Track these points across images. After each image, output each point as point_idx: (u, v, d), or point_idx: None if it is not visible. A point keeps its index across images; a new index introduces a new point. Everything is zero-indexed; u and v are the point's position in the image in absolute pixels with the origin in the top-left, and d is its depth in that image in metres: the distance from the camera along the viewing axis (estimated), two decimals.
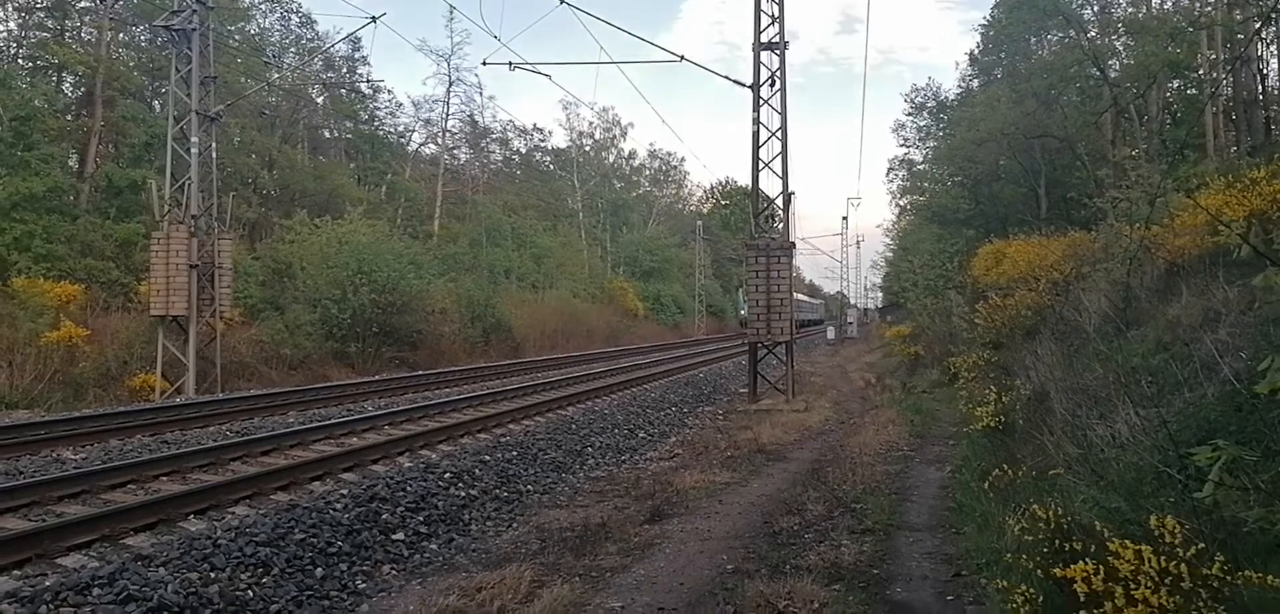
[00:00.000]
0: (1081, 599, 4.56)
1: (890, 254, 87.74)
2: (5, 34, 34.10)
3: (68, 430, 13.15)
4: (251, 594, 6.81)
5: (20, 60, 32.99)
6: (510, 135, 71.98)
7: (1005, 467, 7.89)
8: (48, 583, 6.41)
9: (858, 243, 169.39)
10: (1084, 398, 8.81)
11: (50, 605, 5.94)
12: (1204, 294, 10.01)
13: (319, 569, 7.59)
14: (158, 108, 34.51)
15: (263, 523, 8.28)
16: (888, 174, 78.07)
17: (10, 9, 33.79)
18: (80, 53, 32.87)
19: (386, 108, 56.92)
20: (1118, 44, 34.93)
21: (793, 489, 10.42)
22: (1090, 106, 33.90)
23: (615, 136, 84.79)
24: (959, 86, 48.96)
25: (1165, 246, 12.65)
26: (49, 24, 34.46)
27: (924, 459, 12.38)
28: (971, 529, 7.88)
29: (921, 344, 30.37)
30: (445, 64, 63.43)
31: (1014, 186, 36.30)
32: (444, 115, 57.44)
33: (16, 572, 6.94)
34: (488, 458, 12.07)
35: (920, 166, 55.40)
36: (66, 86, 34.91)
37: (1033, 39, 40.01)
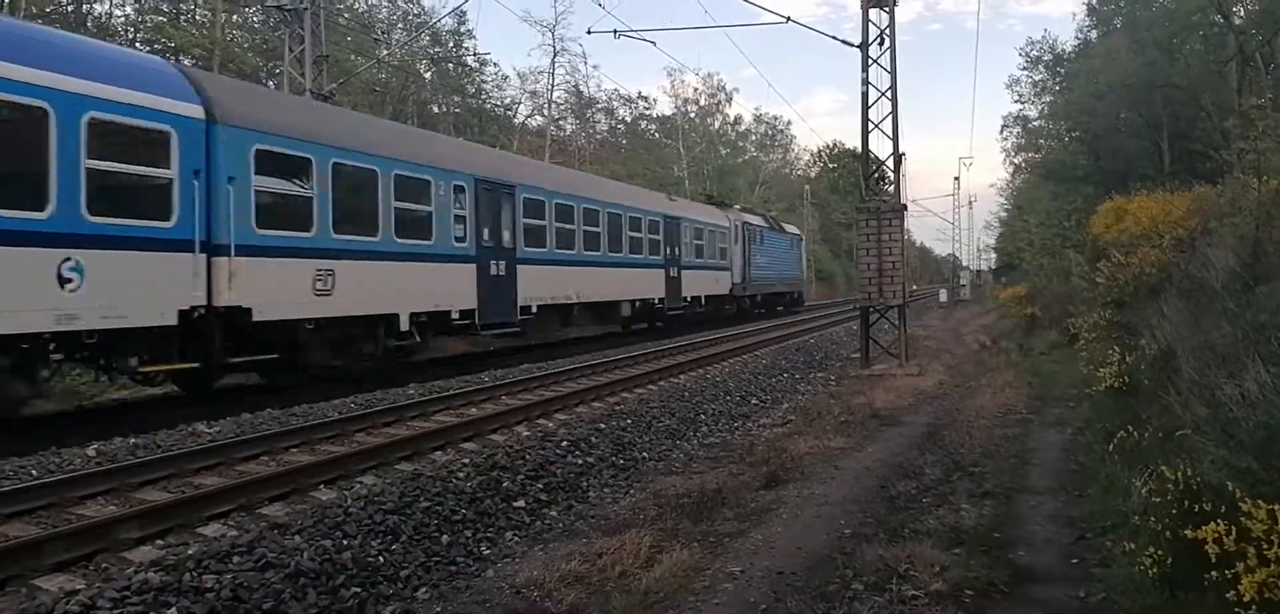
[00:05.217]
0: (1212, 560, 4.48)
1: (1004, 214, 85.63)
2: (123, 19, 35.63)
3: (202, 405, 13.76)
4: (382, 560, 7.07)
5: (138, 45, 34.32)
6: (615, 104, 72.24)
7: (1130, 428, 7.73)
8: (190, 551, 6.74)
9: (970, 203, 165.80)
10: (1212, 356, 8.54)
11: (193, 573, 6.22)
12: None
13: (445, 536, 7.83)
14: (272, 88, 35.69)
15: (389, 492, 8.57)
16: (1001, 131, 76.16)
17: None
18: (196, 35, 34.00)
19: (493, 81, 57.68)
20: None
21: (909, 454, 10.34)
22: (1214, 55, 32.48)
23: (720, 102, 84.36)
24: (1076, 38, 47.31)
25: None
26: (164, 8, 35.77)
27: (1044, 422, 12.15)
28: (1095, 492, 7.74)
29: (1038, 305, 29.70)
30: (550, 34, 63.81)
31: (1135, 140, 35.01)
32: (550, 86, 57.92)
33: (160, 542, 7.31)
34: (603, 426, 12.25)
35: (1036, 123, 53.82)
36: None
37: None
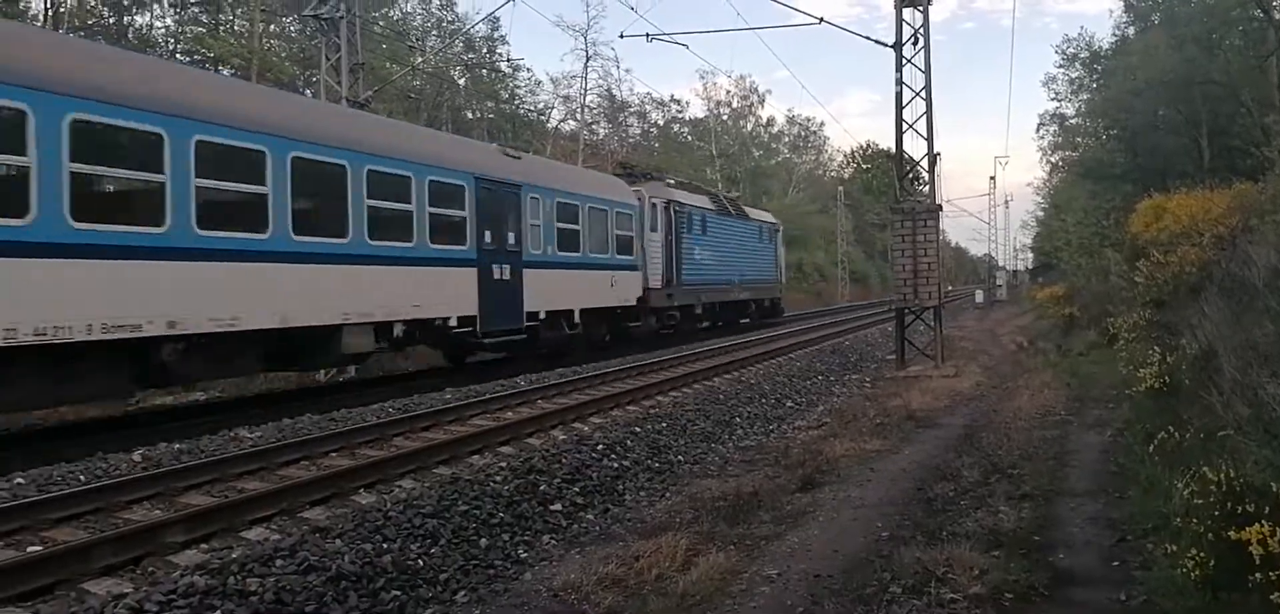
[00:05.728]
0: (1257, 562, 4.45)
1: (1041, 213, 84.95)
2: (164, 30, 36.25)
3: (243, 410, 13.93)
4: (422, 564, 7.14)
5: (178, 55, 34.79)
6: (648, 108, 72.29)
7: (1171, 429, 7.67)
8: (234, 555, 6.83)
9: (1006, 203, 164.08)
10: (1254, 355, 8.45)
11: (237, 576, 6.31)
12: None
13: (483, 539, 7.90)
14: (309, 96, 36.09)
15: (428, 496, 8.65)
16: (1038, 130, 75.41)
17: (167, 5, 35.97)
18: (234, 45, 34.44)
19: (526, 86, 57.91)
20: None
21: (946, 456, 10.29)
22: (1254, 50, 32.08)
23: (753, 104, 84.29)
24: (1113, 35, 46.91)
25: None
26: (203, 19, 36.35)
27: (1083, 423, 12.06)
28: (1136, 494, 7.68)
29: (1076, 305, 29.46)
30: (582, 39, 64.05)
31: (1174, 137, 34.68)
32: (582, 91, 58.03)
33: (204, 545, 7.41)
34: (638, 429, 12.29)
35: (1073, 121, 53.37)
36: None
37: None
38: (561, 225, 21.19)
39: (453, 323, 17.11)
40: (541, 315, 20.01)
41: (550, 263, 20.58)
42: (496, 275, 18.40)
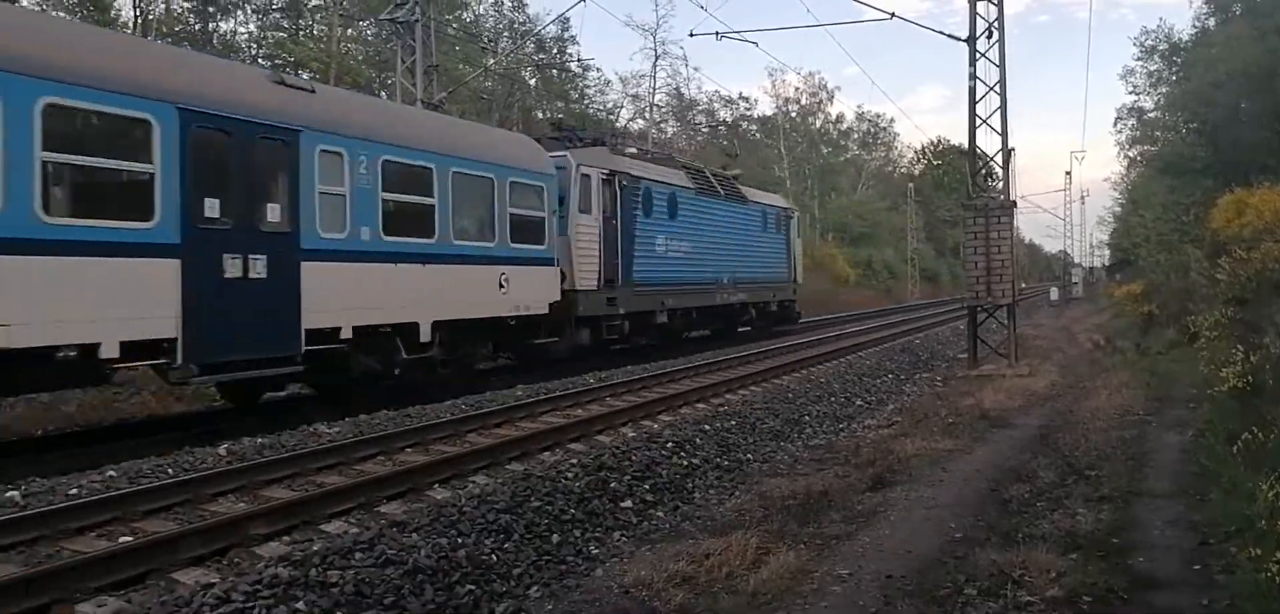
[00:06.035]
0: None
1: (1118, 209, 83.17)
2: (247, 35, 37.36)
3: (321, 406, 14.20)
4: (495, 559, 7.25)
5: (260, 60, 35.67)
6: (716, 106, 72.18)
7: (1255, 429, 7.52)
8: (315, 548, 6.99)
9: (1082, 199, 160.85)
10: None
11: (319, 568, 6.46)
12: None
13: (555, 535, 7.99)
14: (385, 98, 36.68)
15: (501, 492, 8.74)
16: (1115, 124, 73.87)
17: (249, 11, 37.04)
18: (313, 49, 35.28)
19: (595, 86, 58.27)
20: None
21: (1020, 456, 10.17)
22: None
23: (822, 101, 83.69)
24: (1193, 26, 45.79)
25: None
26: (284, 25, 37.33)
27: (1162, 424, 11.83)
28: (1218, 496, 7.54)
29: (1155, 303, 28.89)
30: (651, 38, 64.17)
31: (1256, 131, 33.78)
32: (651, 90, 58.22)
33: (286, 537, 7.59)
34: (707, 427, 12.31)
35: (1152, 114, 52.16)
36: None
37: None
38: (393, 196, 14.36)
39: (108, 351, 10.30)
40: (345, 333, 13.42)
41: (363, 253, 13.73)
42: (230, 272, 11.63)
